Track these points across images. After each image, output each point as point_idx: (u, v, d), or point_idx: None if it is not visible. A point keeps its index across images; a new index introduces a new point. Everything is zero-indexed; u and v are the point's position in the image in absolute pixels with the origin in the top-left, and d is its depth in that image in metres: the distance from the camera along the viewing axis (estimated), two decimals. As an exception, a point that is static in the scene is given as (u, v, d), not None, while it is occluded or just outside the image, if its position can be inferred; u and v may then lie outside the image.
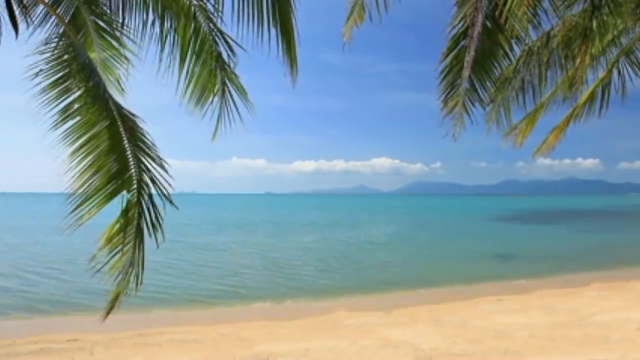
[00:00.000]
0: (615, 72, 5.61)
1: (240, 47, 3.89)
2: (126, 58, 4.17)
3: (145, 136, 3.36)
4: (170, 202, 3.25)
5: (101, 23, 4.08)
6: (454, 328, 9.07)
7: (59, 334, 9.04)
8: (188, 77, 4.04)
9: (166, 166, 3.30)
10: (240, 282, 15.71)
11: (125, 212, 3.22)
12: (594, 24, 4.32)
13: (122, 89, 4.17)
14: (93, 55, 4.03)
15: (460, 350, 7.57)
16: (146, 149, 3.30)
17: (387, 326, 9.34)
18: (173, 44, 3.95)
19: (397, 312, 10.83)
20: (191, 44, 3.96)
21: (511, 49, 4.68)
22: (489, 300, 11.83)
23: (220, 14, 3.96)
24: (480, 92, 4.91)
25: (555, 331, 8.58)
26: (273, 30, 3.75)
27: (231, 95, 4.12)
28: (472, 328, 9.05)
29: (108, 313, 3.40)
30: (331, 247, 26.07)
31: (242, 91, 4.13)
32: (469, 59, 4.66)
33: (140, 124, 3.38)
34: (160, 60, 3.92)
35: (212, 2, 3.97)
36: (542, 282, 14.99)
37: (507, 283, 14.94)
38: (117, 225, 3.22)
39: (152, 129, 3.42)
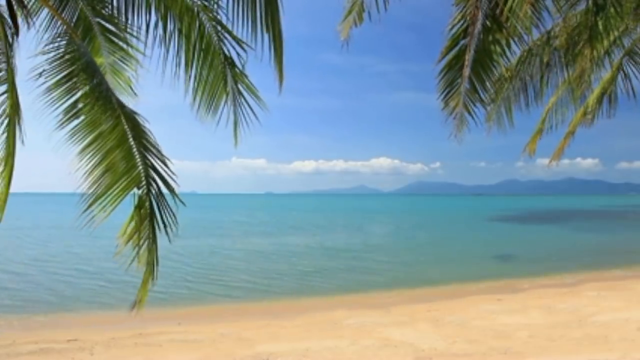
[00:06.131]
0: (620, 73, 5.61)
1: (249, 46, 3.73)
2: (135, 59, 4.10)
3: (147, 133, 3.36)
4: (178, 198, 3.27)
5: (107, 25, 4.03)
6: (454, 328, 9.07)
7: (59, 334, 9.04)
8: (196, 80, 3.89)
9: (169, 164, 3.32)
10: (240, 282, 15.71)
11: (137, 208, 3.23)
12: (600, 24, 4.28)
13: (134, 93, 4.07)
14: (101, 60, 3.98)
15: (460, 350, 7.57)
16: (149, 147, 3.31)
17: (386, 326, 9.34)
18: (178, 46, 3.81)
19: (397, 312, 10.83)
20: (197, 45, 3.82)
21: (509, 47, 4.66)
22: (489, 300, 11.83)
23: (218, 13, 3.87)
24: (480, 92, 4.90)
25: (555, 331, 8.58)
26: (266, 36, 3.63)
27: (243, 96, 3.98)
28: (472, 328, 9.05)
29: (134, 306, 3.52)
30: (331, 247, 26.05)
31: (252, 90, 3.99)
32: (469, 57, 4.65)
33: (142, 121, 3.38)
34: (166, 62, 3.78)
35: (211, 1, 3.90)
36: (542, 282, 15.00)
37: (507, 283, 14.92)
38: (132, 223, 3.24)
39: (151, 128, 3.42)
